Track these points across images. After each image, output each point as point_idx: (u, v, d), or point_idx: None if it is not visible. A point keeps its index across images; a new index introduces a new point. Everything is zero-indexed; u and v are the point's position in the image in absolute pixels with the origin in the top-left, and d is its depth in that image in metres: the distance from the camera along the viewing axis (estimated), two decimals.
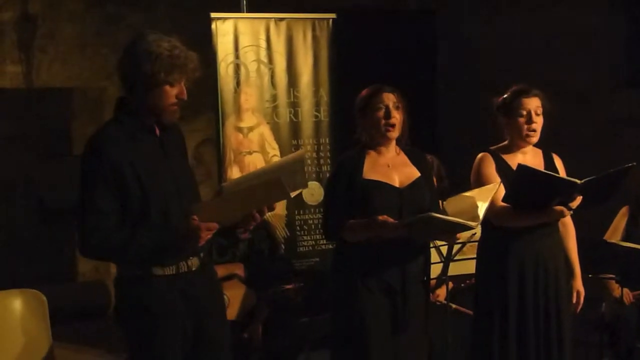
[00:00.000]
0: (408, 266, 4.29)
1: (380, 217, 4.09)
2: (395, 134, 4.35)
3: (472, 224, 4.02)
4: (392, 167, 4.37)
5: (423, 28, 9.90)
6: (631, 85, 8.26)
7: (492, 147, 4.79)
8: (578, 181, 4.37)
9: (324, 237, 4.86)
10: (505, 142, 4.79)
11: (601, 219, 6.12)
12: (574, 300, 4.85)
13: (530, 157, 4.72)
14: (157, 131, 3.79)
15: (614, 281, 5.75)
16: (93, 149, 3.68)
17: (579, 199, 4.48)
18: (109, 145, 3.64)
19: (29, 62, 8.70)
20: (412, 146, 4.49)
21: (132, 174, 3.63)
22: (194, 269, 3.79)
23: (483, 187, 4.43)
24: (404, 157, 4.43)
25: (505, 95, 4.73)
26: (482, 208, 4.10)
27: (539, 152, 4.80)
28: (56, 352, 5.68)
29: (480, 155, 4.77)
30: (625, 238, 5.81)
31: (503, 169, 4.66)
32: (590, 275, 5.57)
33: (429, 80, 9.89)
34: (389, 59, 9.10)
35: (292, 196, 3.76)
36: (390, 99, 4.33)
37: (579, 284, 4.88)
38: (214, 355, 3.89)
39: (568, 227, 4.90)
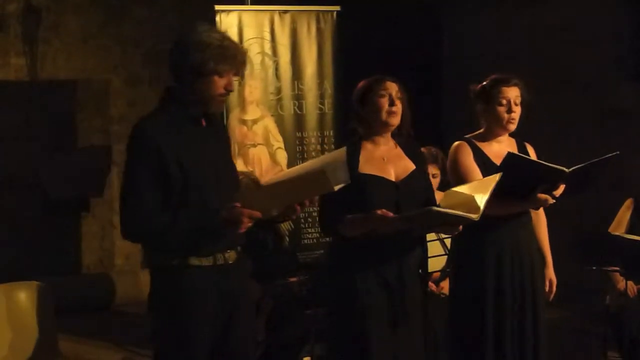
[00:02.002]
0: (405, 260, 4.24)
1: (378, 211, 4.05)
2: (396, 121, 4.30)
3: (473, 216, 3.99)
4: (388, 160, 4.30)
5: (427, 20, 9.90)
6: (636, 78, 8.24)
7: (467, 135, 4.75)
8: (566, 169, 4.35)
9: (320, 231, 4.82)
10: (481, 130, 4.75)
11: (604, 212, 6.12)
12: (547, 289, 4.83)
13: (505, 145, 4.69)
14: (203, 122, 3.83)
15: (618, 273, 5.75)
16: (137, 134, 3.71)
17: (562, 187, 4.48)
18: (153, 130, 3.68)
19: (33, 55, 8.71)
20: (413, 139, 4.44)
21: (174, 160, 3.66)
22: (230, 261, 3.80)
23: (483, 179, 4.39)
24: (399, 150, 4.37)
25: (484, 83, 4.71)
26: (482, 199, 4.05)
27: (513, 141, 4.77)
28: (60, 344, 5.70)
29: (456, 143, 4.71)
30: (630, 230, 5.80)
31: (480, 157, 4.63)
32: (594, 268, 5.58)
33: (433, 73, 9.89)
34: (393, 51, 9.09)
35: (335, 189, 3.72)
36: (393, 87, 4.28)
37: (551, 272, 4.86)
38: (239, 352, 3.90)
39: (540, 216, 4.88)
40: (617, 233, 5.67)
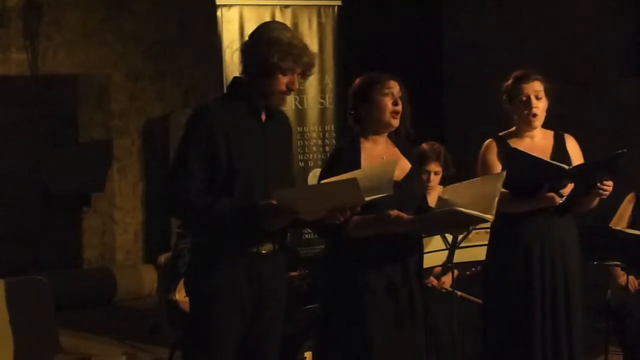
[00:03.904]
0: (408, 259, 4.16)
1: (392, 213, 3.96)
2: (397, 123, 4.20)
3: (488, 216, 3.95)
4: (387, 159, 4.19)
5: (429, 15, 9.89)
6: (637, 73, 8.24)
7: (500, 133, 4.80)
8: (566, 166, 4.39)
9: (318, 235, 4.63)
10: (514, 128, 4.80)
11: (605, 206, 6.11)
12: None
13: (539, 139, 4.73)
14: (264, 117, 3.90)
15: (619, 268, 5.75)
16: (196, 116, 3.84)
17: (570, 186, 4.48)
18: (211, 115, 3.80)
19: (34, 49, 8.71)
20: (411, 137, 4.37)
21: (225, 147, 3.76)
22: (264, 251, 3.85)
23: (486, 177, 4.39)
24: (395, 148, 4.28)
25: (508, 82, 4.74)
26: (493, 199, 4.00)
27: (550, 133, 4.79)
28: (61, 339, 5.70)
29: (486, 141, 4.80)
30: (631, 225, 5.80)
31: (505, 154, 4.65)
32: (595, 262, 5.57)
33: (434, 67, 9.88)
34: (394, 46, 9.09)
35: (367, 200, 3.72)
36: (395, 87, 4.18)
37: None
38: (261, 349, 3.93)
39: None
40: (618, 228, 5.67)
